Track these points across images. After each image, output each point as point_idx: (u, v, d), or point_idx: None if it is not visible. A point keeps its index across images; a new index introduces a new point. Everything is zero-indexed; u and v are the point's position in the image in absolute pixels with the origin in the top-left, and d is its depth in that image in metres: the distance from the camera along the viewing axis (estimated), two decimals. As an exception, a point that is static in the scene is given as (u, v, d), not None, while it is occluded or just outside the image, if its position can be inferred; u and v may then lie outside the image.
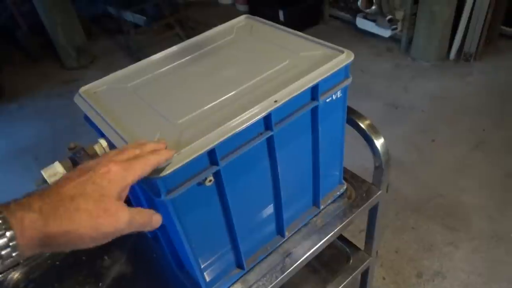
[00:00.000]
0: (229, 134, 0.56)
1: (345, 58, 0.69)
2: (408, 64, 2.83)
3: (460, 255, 1.67)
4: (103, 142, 0.61)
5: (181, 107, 0.64)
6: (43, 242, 0.38)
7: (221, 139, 0.56)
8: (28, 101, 3.00)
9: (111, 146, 0.61)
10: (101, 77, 0.73)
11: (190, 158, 0.53)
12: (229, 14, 3.98)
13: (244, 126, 0.58)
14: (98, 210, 0.41)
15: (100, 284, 0.83)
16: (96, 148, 0.60)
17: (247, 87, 0.67)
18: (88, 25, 3.57)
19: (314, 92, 0.67)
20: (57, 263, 0.87)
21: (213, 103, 0.64)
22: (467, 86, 2.58)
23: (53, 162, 0.57)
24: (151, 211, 0.49)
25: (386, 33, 2.89)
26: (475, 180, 1.97)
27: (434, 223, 1.80)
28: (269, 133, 0.63)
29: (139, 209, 0.47)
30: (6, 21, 3.56)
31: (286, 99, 0.61)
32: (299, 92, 0.63)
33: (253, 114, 0.59)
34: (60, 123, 2.73)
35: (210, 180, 0.59)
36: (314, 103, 0.68)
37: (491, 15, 2.48)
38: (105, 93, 0.71)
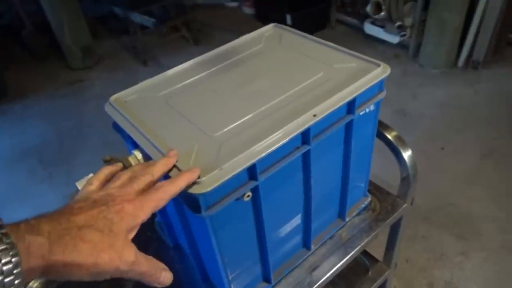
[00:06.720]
0: (271, 150, 0.55)
1: (381, 72, 0.68)
2: (415, 71, 2.83)
3: (471, 265, 1.66)
4: (138, 154, 0.59)
5: (216, 118, 0.63)
6: (45, 269, 0.37)
7: (263, 155, 0.55)
8: (33, 101, 2.98)
9: (146, 158, 0.59)
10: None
11: (232, 174, 0.52)
12: (236, 17, 4.02)
13: (284, 141, 0.56)
14: (103, 244, 0.40)
15: (122, 295, 0.81)
16: (131, 160, 0.59)
17: (283, 99, 0.65)
18: (93, 25, 3.55)
19: (351, 106, 0.66)
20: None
21: (249, 116, 0.62)
22: (476, 94, 2.58)
23: (87, 175, 0.55)
24: (162, 265, 0.47)
25: (394, 39, 2.89)
26: (486, 189, 1.96)
27: (444, 233, 1.79)
28: (307, 148, 0.62)
29: (150, 257, 0.45)
30: (11, 20, 3.54)
31: (325, 113, 0.60)
32: (337, 106, 0.62)
33: (293, 129, 0.58)
34: (64, 124, 2.71)
35: (248, 196, 0.58)
36: (350, 117, 0.67)
37: (500, 24, 2.49)
38: (137, 102, 0.69)
